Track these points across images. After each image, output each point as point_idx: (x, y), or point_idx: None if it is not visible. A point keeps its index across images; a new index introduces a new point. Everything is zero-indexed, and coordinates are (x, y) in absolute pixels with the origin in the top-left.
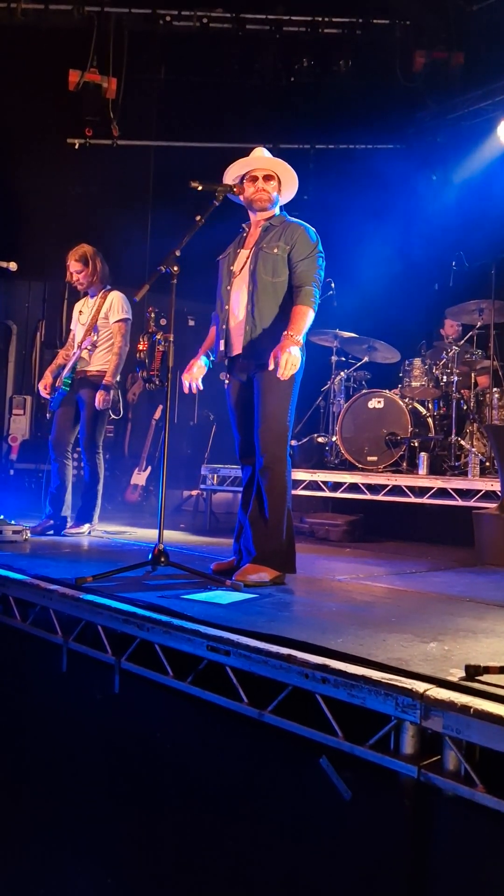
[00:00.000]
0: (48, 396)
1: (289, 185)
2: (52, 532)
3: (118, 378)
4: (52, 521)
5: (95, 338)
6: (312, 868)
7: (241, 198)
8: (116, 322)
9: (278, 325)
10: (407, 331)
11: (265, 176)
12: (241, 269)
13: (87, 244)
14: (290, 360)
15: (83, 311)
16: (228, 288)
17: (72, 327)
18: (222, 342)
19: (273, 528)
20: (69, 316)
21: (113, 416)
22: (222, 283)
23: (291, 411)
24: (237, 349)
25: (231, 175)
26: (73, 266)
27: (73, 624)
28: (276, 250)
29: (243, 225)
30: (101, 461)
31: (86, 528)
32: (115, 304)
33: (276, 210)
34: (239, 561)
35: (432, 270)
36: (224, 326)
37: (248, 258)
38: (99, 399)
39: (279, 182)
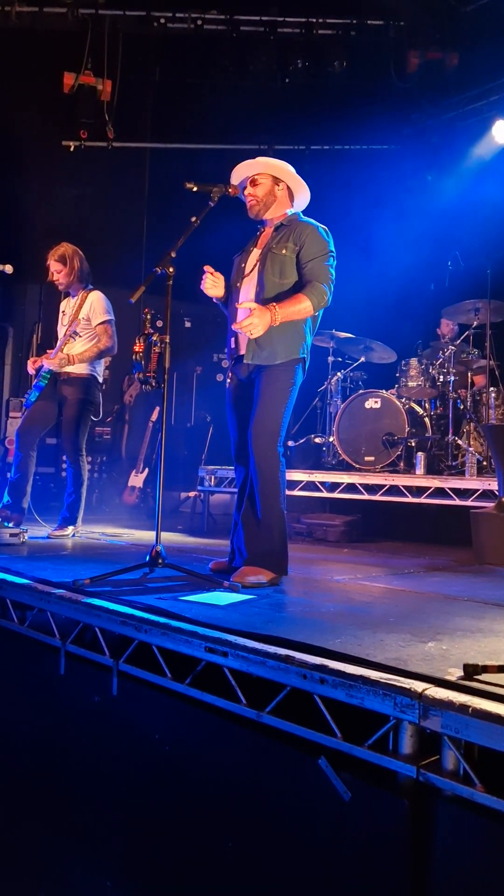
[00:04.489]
0: (32, 373)
1: (287, 178)
2: (10, 524)
3: (98, 375)
4: (8, 512)
5: (76, 333)
6: (312, 869)
7: None
8: (100, 325)
9: (284, 326)
10: (403, 331)
11: (251, 181)
12: (252, 269)
13: (68, 243)
14: (251, 325)
15: (65, 311)
16: (238, 285)
17: (58, 328)
18: (233, 340)
19: (265, 528)
20: None
21: (94, 418)
22: (233, 278)
23: (287, 412)
24: (242, 349)
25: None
26: (53, 266)
27: (70, 626)
28: (284, 251)
29: (259, 227)
30: (85, 463)
31: (69, 530)
32: (96, 307)
33: (289, 210)
34: (231, 560)
35: (428, 270)
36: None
37: (258, 258)
38: (55, 360)
39: (275, 180)
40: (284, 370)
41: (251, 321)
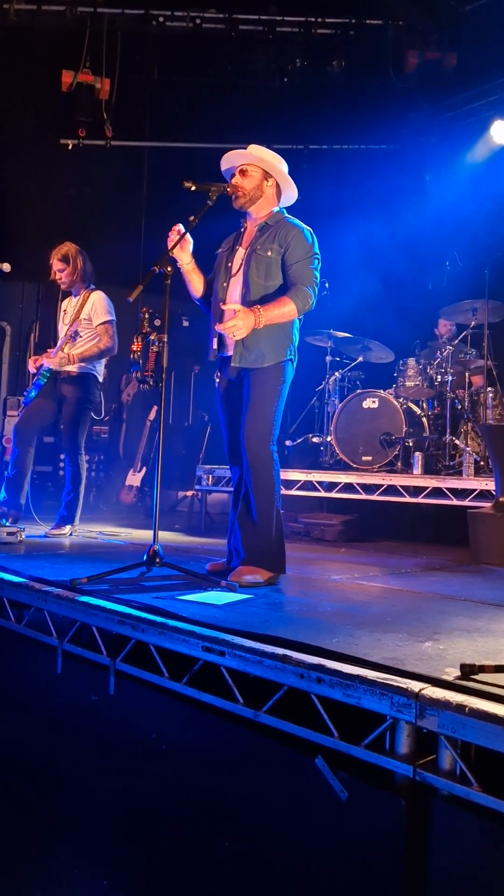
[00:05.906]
0: (33, 371)
1: (278, 174)
2: (7, 521)
3: (98, 374)
4: (5, 508)
5: (77, 333)
6: (309, 868)
7: None
8: (101, 325)
9: (271, 329)
10: (401, 331)
11: (239, 170)
12: (238, 270)
13: (71, 242)
14: (235, 326)
15: (67, 310)
16: (225, 285)
17: (59, 327)
18: (215, 340)
19: (261, 528)
20: None
21: (95, 417)
22: (219, 278)
23: (279, 411)
24: (229, 350)
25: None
26: (56, 265)
27: (68, 625)
28: (269, 253)
29: (242, 220)
30: (84, 462)
31: (67, 529)
32: (98, 307)
33: (274, 207)
34: (229, 561)
35: (426, 270)
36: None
37: (243, 258)
38: (55, 359)
39: (265, 174)
40: (273, 370)
41: (235, 323)
